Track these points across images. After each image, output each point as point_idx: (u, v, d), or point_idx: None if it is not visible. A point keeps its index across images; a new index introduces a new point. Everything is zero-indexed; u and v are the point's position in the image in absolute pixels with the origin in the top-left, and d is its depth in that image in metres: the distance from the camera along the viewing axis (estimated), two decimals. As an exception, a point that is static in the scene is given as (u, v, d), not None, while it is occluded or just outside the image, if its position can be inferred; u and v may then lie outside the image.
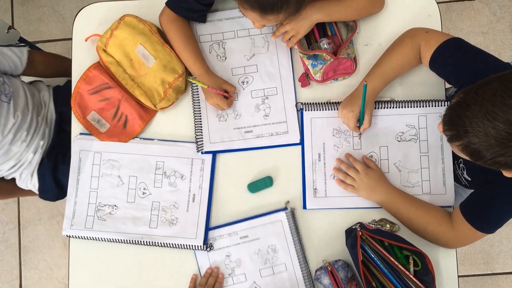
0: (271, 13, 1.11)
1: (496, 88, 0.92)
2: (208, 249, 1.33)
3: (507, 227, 2.21)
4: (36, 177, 1.57)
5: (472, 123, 0.93)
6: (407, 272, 1.22)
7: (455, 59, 1.20)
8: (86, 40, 1.39)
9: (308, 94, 1.39)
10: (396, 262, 1.22)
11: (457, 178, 1.34)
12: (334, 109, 1.35)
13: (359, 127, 1.32)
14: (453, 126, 0.99)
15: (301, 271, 1.33)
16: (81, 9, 1.43)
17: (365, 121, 1.29)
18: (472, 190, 1.27)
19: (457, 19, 2.31)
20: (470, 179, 1.28)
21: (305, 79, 1.37)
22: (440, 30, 1.37)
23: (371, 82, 1.26)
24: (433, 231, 1.25)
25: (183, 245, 1.34)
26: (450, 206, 1.33)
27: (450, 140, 1.01)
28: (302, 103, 1.37)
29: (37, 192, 1.62)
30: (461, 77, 1.18)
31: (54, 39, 2.36)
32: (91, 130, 1.38)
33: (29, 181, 1.58)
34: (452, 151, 1.32)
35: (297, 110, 1.37)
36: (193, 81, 1.32)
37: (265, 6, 1.09)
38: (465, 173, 1.28)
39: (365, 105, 1.26)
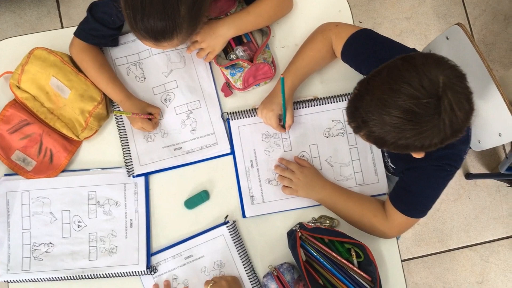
0: (164, 41, 1.12)
1: (384, 76, 0.95)
2: (153, 272, 1.31)
3: (456, 202, 2.27)
4: None
5: (367, 113, 0.96)
6: (351, 265, 1.23)
7: (363, 50, 1.22)
8: (-3, 79, 1.35)
9: (233, 103, 1.38)
10: (338, 257, 1.23)
11: (386, 167, 1.36)
12: (260, 115, 1.36)
13: (283, 126, 1.32)
14: (353, 118, 1.01)
15: (250, 281, 1.31)
16: (-10, 47, 1.39)
17: (287, 117, 1.29)
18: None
19: (381, 8, 2.36)
20: (394, 167, 1.30)
21: (227, 89, 1.37)
22: (352, 23, 1.40)
23: (287, 79, 1.26)
24: (369, 222, 1.27)
25: (126, 272, 1.31)
26: (384, 194, 1.35)
27: (355, 131, 1.04)
28: (227, 112, 1.37)
29: None
30: (370, 67, 1.20)
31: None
32: (17, 170, 1.34)
33: None
34: None
35: (224, 121, 1.37)
36: (118, 114, 1.30)
37: (156, 35, 1.09)
38: (389, 161, 1.30)
39: (285, 101, 1.25)
